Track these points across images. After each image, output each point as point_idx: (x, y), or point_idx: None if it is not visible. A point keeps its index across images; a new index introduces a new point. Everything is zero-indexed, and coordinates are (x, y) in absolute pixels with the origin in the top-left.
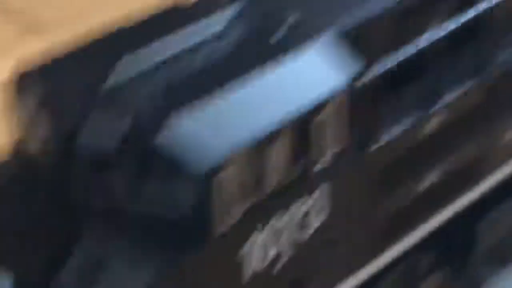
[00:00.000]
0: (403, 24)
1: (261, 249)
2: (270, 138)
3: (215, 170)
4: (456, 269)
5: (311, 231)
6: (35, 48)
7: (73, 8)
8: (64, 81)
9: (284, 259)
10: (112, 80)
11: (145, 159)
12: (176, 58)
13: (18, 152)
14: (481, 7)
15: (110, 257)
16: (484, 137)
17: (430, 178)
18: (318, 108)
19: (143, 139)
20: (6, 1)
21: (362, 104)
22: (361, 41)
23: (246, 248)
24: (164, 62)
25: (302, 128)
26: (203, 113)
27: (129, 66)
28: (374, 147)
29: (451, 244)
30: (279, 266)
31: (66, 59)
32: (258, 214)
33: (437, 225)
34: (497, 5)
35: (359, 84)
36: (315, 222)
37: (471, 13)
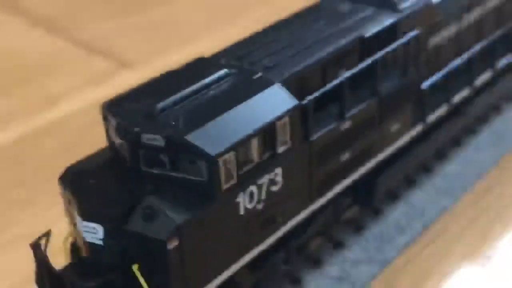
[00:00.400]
0: (326, 71)
1: (250, 197)
2: (251, 136)
3: (221, 154)
4: (364, 206)
5: (277, 187)
6: (126, 79)
7: (152, 49)
8: (134, 105)
9: (263, 203)
10: (162, 104)
11: (182, 148)
12: (197, 93)
13: (110, 146)
14: (371, 59)
15: (161, 206)
16: (378, 130)
17: (346, 155)
18: (278, 119)
19: (180, 137)
20: (102, 44)
21: (303, 116)
22: (301, 83)
23: (241, 196)
24: (192, 95)
25: (270, 130)
26: (214, 124)
27: (172, 97)
28: (313, 138)
29: (361, 191)
30: (260, 206)
31: (137, 91)
32: (247, 178)
33: (352, 181)
34: (379, 58)
35: (302, 105)
36: (279, 182)
37: (366, 64)
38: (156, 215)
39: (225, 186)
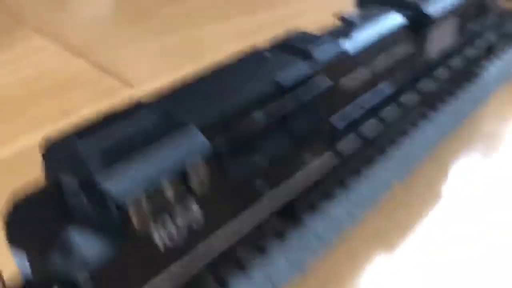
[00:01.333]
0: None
1: (168, 235)
2: (163, 179)
3: (131, 197)
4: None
5: (198, 224)
6: (127, 95)
7: (150, 71)
8: (61, 145)
9: (184, 239)
10: (82, 145)
11: (93, 190)
12: (119, 133)
13: None
14: (283, 107)
15: (78, 244)
16: (293, 165)
17: (266, 187)
18: (191, 163)
19: (92, 180)
20: (113, 66)
21: (219, 158)
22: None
23: (157, 234)
24: (114, 136)
25: (183, 173)
26: (127, 167)
27: (94, 137)
28: (232, 176)
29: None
30: (181, 242)
31: (71, 131)
32: (163, 218)
33: (273, 208)
34: (292, 105)
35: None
36: (200, 220)
37: (279, 110)
38: (72, 252)
39: (139, 227)
